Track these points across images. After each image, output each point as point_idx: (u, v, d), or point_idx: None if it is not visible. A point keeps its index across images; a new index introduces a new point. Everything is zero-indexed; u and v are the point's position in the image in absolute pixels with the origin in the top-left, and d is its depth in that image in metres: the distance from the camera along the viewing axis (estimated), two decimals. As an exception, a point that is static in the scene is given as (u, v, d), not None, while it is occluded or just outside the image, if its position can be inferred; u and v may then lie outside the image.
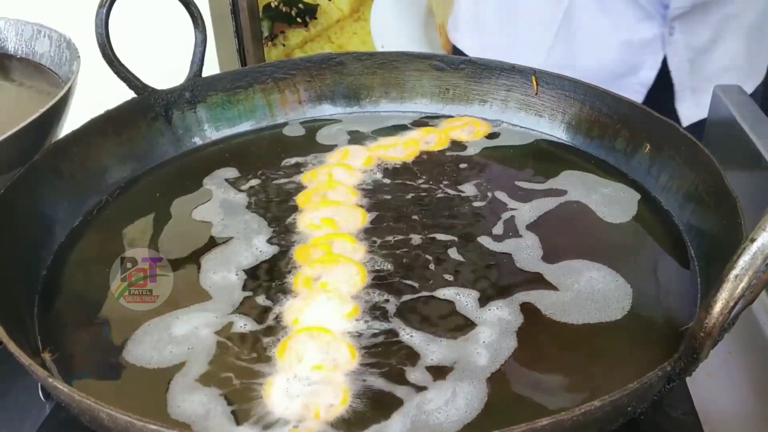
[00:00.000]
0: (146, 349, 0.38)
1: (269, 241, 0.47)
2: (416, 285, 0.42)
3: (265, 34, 1.60)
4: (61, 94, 0.50)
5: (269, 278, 0.43)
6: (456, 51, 0.85)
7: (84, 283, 0.44)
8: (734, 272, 0.25)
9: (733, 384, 0.45)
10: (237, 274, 0.44)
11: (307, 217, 0.49)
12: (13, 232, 0.42)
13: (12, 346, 0.32)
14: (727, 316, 0.26)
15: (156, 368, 0.37)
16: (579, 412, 0.27)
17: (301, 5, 1.61)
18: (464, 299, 0.41)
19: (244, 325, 0.40)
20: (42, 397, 0.45)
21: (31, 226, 0.45)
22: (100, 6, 0.52)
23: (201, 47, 0.58)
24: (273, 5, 1.60)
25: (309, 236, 0.47)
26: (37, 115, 0.46)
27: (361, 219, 0.48)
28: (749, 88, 0.72)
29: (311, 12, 1.66)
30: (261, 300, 0.41)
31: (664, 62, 0.73)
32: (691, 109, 0.73)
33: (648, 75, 0.73)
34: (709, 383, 0.44)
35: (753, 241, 0.25)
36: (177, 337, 0.39)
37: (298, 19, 1.63)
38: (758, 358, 0.47)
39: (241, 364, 0.37)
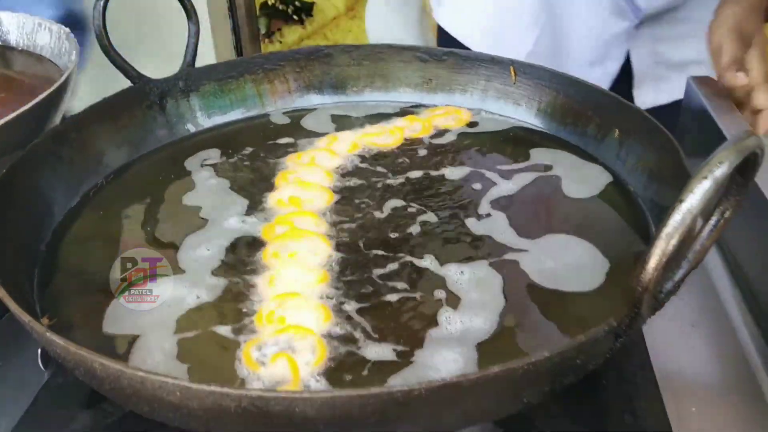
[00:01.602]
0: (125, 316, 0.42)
1: (246, 218, 0.49)
2: (381, 252, 0.45)
3: (262, 31, 1.64)
4: (61, 81, 0.53)
5: (242, 254, 0.46)
6: (441, 31, 0.88)
7: (80, 259, 0.47)
8: (666, 230, 0.28)
9: (695, 355, 0.48)
10: (211, 251, 0.46)
11: (276, 195, 0.52)
12: (14, 210, 0.45)
13: (12, 305, 0.34)
14: (661, 271, 0.28)
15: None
16: (530, 361, 0.30)
17: (297, 3, 1.65)
18: (429, 263, 0.44)
19: (221, 294, 0.43)
20: (41, 366, 0.48)
21: (31, 205, 0.48)
22: (97, -2, 0.55)
23: (194, 38, 0.61)
24: (270, 3, 1.63)
25: (277, 214, 0.50)
26: (38, 99, 0.49)
27: (327, 198, 0.51)
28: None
29: (307, 9, 1.69)
30: (235, 273, 0.44)
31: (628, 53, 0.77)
32: (649, 95, 0.76)
33: (613, 65, 0.76)
34: (672, 354, 0.47)
35: (681, 202, 0.27)
36: (157, 306, 0.42)
37: (295, 17, 1.66)
38: (720, 332, 0.49)
39: (219, 330, 0.40)
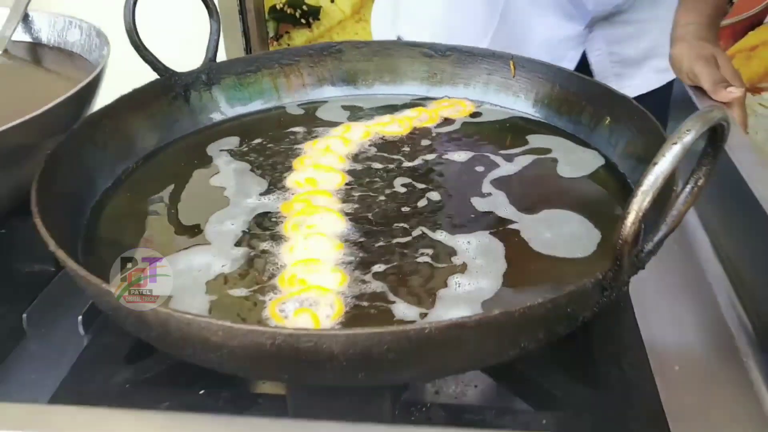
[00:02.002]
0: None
1: (266, 197, 0.54)
2: (391, 226, 0.50)
3: (271, 34, 1.69)
4: (95, 72, 0.57)
5: (264, 227, 0.51)
6: None
7: (116, 233, 0.52)
8: (642, 189, 0.32)
9: (677, 320, 0.52)
10: (235, 225, 0.51)
11: (294, 177, 0.56)
12: (58, 187, 0.50)
13: (73, 265, 0.39)
14: (638, 225, 0.33)
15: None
16: (526, 306, 0.34)
17: (305, 7, 1.70)
18: (438, 234, 0.49)
19: (245, 261, 0.47)
20: (81, 331, 0.53)
21: (73, 186, 0.52)
22: (129, -3, 0.60)
23: (215, 35, 0.66)
24: (278, 7, 1.68)
25: (295, 193, 0.54)
26: (76, 89, 0.54)
27: (341, 179, 0.56)
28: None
29: (315, 13, 1.74)
30: (258, 243, 0.49)
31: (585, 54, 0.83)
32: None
33: (569, 66, 0.81)
34: (657, 320, 0.51)
35: (655, 164, 0.32)
36: (184, 270, 0.47)
37: (302, 20, 1.71)
38: (700, 297, 0.54)
39: (245, 292, 0.44)
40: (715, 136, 0.35)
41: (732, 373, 0.48)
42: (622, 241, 0.34)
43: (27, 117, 0.50)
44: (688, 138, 0.32)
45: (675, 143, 0.32)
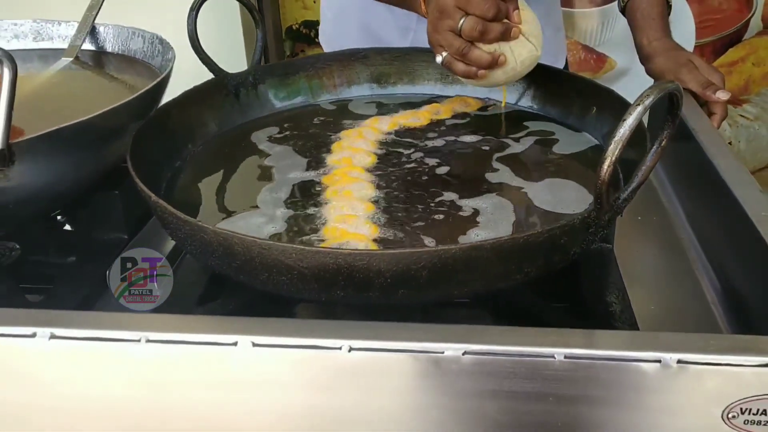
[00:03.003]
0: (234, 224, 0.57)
1: (309, 171, 0.65)
2: (414, 191, 0.60)
3: (287, 52, 1.81)
4: (165, 72, 0.68)
5: (309, 193, 0.61)
6: None
7: (186, 199, 0.62)
8: (614, 139, 0.43)
9: (653, 272, 0.63)
10: (283, 192, 0.61)
11: (333, 157, 0.67)
12: (145, 160, 0.60)
13: (162, 203, 0.49)
14: (612, 167, 0.43)
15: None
16: (528, 233, 0.45)
17: (319, 27, 1.82)
18: (455, 197, 0.59)
19: (293, 218, 0.58)
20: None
21: (153, 158, 0.63)
22: (191, 9, 0.71)
23: (261, 42, 0.77)
24: (294, 28, 1.81)
25: (334, 168, 0.65)
26: (153, 83, 0.65)
27: (372, 159, 0.67)
28: (559, 66, 0.92)
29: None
30: (303, 206, 0.59)
31: None
32: None
33: None
34: (637, 273, 0.62)
35: (624, 120, 0.43)
36: (243, 227, 0.57)
37: (317, 40, 1.84)
38: (673, 255, 0.64)
39: (295, 239, 0.55)
40: (673, 104, 0.46)
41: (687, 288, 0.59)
42: (600, 182, 0.44)
43: (116, 104, 0.60)
44: (648, 101, 0.42)
45: (638, 104, 0.42)
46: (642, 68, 0.85)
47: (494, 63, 0.65)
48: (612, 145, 0.43)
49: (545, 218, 0.57)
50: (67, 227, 0.70)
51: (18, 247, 0.66)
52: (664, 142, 0.48)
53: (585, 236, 0.49)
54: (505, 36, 0.64)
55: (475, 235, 0.54)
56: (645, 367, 0.40)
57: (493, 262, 0.46)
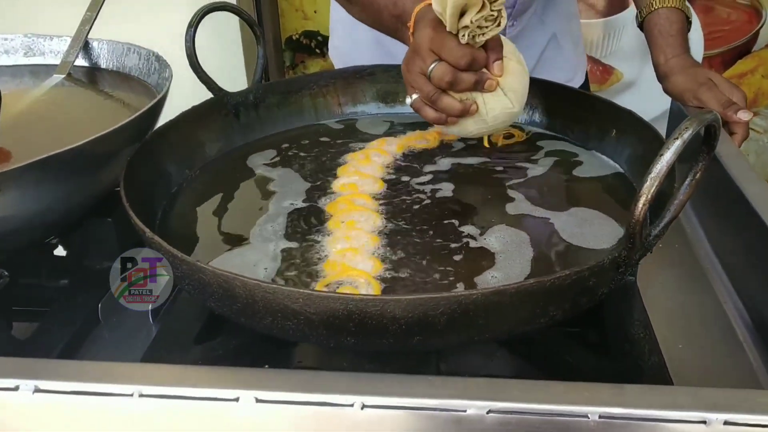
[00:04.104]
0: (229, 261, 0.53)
1: (314, 198, 0.62)
2: (424, 226, 0.56)
3: (287, 63, 1.78)
4: (163, 92, 0.65)
5: (311, 223, 0.58)
6: None
7: (183, 228, 0.59)
8: (650, 175, 0.39)
9: (679, 307, 0.59)
10: (285, 221, 0.58)
11: (338, 182, 0.64)
12: (140, 187, 0.57)
13: (175, 251, 0.45)
14: (647, 205, 0.40)
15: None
16: (555, 276, 0.41)
17: (319, 38, 1.79)
18: (468, 228, 0.56)
19: (294, 250, 0.54)
20: (150, 320, 0.59)
21: (149, 185, 0.60)
22: (190, 26, 0.68)
23: (262, 60, 0.74)
24: (294, 38, 1.78)
25: (339, 195, 0.62)
26: (150, 104, 0.61)
27: (379, 185, 0.63)
28: (576, 83, 0.90)
29: (328, 43, 1.83)
30: (306, 236, 0.56)
31: None
32: None
33: None
34: (661, 307, 0.58)
35: (661, 155, 0.39)
36: (248, 256, 0.54)
37: (317, 50, 1.80)
38: (699, 287, 0.61)
39: (295, 273, 0.51)
40: (709, 135, 0.43)
41: (726, 343, 0.55)
42: (635, 221, 0.41)
43: (109, 129, 0.57)
44: (687, 134, 0.39)
45: (676, 138, 0.39)
46: (650, 81, 0.81)
47: (465, 112, 0.60)
48: (648, 182, 0.39)
49: (566, 254, 0.53)
50: (60, 250, 0.67)
51: (6, 273, 0.62)
52: (698, 175, 0.45)
53: (615, 276, 0.45)
54: (478, 87, 0.59)
55: (491, 277, 0.51)
56: (688, 428, 0.36)
57: (518, 307, 0.42)
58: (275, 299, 0.42)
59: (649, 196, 0.40)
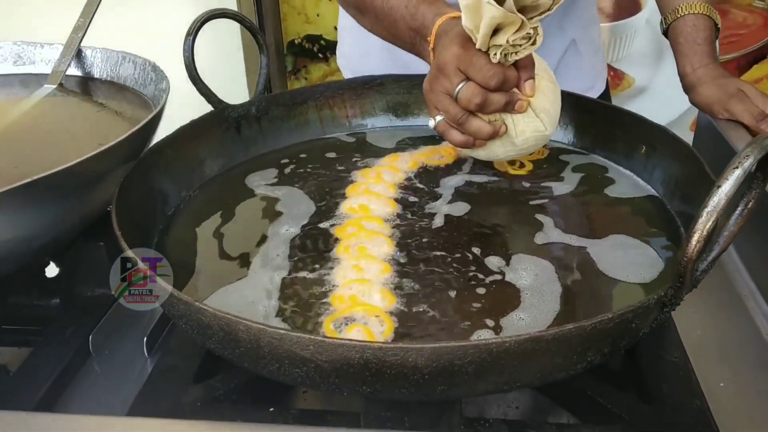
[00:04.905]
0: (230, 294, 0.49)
1: (322, 221, 0.57)
2: (439, 253, 0.52)
3: (289, 68, 1.73)
4: (161, 105, 0.60)
5: (319, 249, 0.53)
6: None
7: (181, 253, 0.54)
8: (706, 209, 0.35)
9: (718, 341, 0.55)
10: (292, 246, 0.54)
11: (348, 203, 0.59)
12: (134, 211, 0.52)
13: (173, 290, 0.41)
14: (702, 243, 0.35)
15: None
16: (597, 320, 0.37)
17: (322, 42, 1.75)
18: (491, 258, 0.51)
19: (301, 280, 0.50)
20: (146, 353, 0.55)
21: (146, 204, 0.55)
22: (188, 34, 0.63)
23: (265, 69, 0.69)
24: (297, 42, 1.73)
25: (348, 218, 0.57)
26: (146, 120, 0.57)
27: (391, 207, 0.59)
28: (597, 92, 0.85)
29: (331, 48, 1.79)
30: (313, 264, 0.52)
31: None
32: None
33: None
34: (699, 341, 0.54)
35: (719, 187, 0.35)
36: (250, 288, 0.49)
37: (320, 55, 1.76)
38: (738, 320, 0.56)
39: (301, 308, 0.47)
40: (766, 161, 0.38)
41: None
42: (687, 259, 0.36)
43: (100, 149, 0.52)
44: (747, 162, 0.35)
45: (736, 167, 0.35)
46: (662, 86, 0.77)
47: (495, 134, 0.56)
48: (704, 217, 0.35)
49: (600, 288, 0.49)
50: (52, 268, 0.62)
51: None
52: (751, 204, 0.40)
53: (658, 316, 0.41)
54: (508, 108, 0.55)
55: (518, 319, 0.46)
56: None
57: (554, 354, 0.38)
58: (282, 345, 0.37)
59: (705, 233, 0.35)
